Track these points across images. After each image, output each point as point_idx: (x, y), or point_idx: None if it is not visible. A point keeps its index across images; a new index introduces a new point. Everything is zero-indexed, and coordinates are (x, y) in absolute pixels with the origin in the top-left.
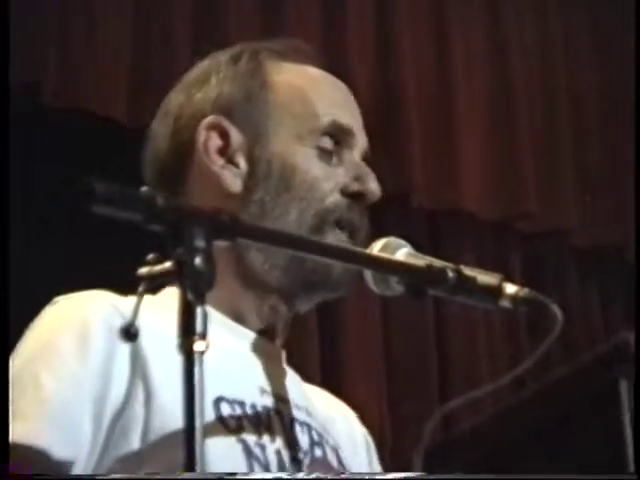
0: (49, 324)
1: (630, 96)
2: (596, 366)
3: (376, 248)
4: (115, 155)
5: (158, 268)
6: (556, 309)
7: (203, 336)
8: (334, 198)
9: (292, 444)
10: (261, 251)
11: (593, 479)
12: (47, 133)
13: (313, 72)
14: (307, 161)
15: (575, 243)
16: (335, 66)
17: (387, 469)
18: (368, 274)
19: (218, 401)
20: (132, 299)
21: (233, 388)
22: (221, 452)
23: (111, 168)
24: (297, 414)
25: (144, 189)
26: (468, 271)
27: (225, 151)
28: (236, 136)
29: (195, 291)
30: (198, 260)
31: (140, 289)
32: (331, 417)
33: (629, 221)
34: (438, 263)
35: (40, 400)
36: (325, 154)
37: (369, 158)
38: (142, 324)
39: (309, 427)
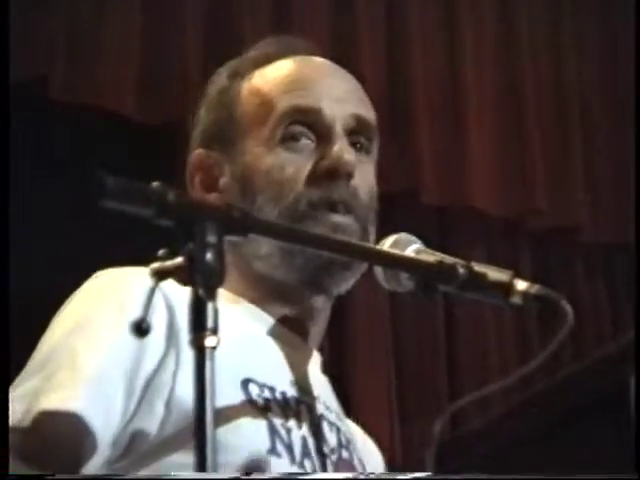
0: (88, 297)
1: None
2: (605, 364)
3: (387, 244)
4: (124, 150)
5: (169, 263)
6: (567, 306)
7: (214, 331)
8: (301, 184)
9: (319, 436)
10: (260, 259)
11: (593, 479)
12: (55, 128)
13: (280, 66)
14: (274, 160)
15: (584, 240)
16: (345, 62)
17: (396, 466)
18: (378, 270)
19: (246, 382)
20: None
21: (263, 374)
22: (246, 426)
23: (120, 163)
24: (327, 414)
25: (155, 184)
26: (479, 267)
27: (209, 183)
28: (217, 162)
29: (206, 286)
30: (209, 255)
31: (151, 284)
32: (357, 436)
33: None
34: (449, 259)
35: (77, 370)
36: (294, 142)
37: (364, 122)
38: (178, 298)
39: (338, 429)
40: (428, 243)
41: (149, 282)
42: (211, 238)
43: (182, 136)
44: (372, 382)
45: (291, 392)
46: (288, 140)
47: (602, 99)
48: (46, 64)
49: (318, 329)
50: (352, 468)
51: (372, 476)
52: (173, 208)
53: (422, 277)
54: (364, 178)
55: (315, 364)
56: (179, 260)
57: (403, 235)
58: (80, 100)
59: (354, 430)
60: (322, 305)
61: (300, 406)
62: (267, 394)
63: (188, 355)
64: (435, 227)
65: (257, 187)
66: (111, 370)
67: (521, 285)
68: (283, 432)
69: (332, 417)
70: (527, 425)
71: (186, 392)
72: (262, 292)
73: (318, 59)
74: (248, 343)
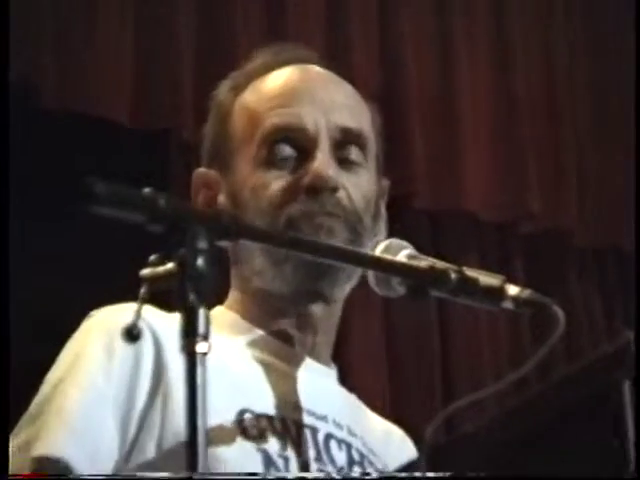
0: (80, 337)
1: (631, 99)
2: (599, 367)
3: (378, 249)
4: (117, 157)
5: (160, 269)
6: (558, 310)
7: (205, 337)
8: (282, 202)
9: (323, 459)
10: (256, 274)
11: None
12: (47, 135)
13: (270, 79)
14: (260, 178)
15: (577, 244)
16: (338, 66)
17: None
18: (371, 275)
19: (242, 413)
20: (165, 314)
21: (262, 402)
22: (237, 459)
23: (113, 170)
24: (335, 431)
25: (146, 190)
26: (470, 272)
27: (210, 200)
28: (215, 180)
29: (197, 292)
30: (200, 261)
31: (142, 290)
32: (387, 443)
33: (630, 222)
34: (440, 264)
35: (63, 416)
36: (280, 160)
37: (353, 132)
38: (167, 337)
39: (349, 445)
40: (421, 248)
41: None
42: (202, 244)
43: (174, 142)
44: (365, 387)
45: (293, 417)
46: (272, 159)
47: (595, 104)
48: (38, 73)
49: (325, 340)
50: None
51: (367, 477)
52: (164, 214)
53: (414, 282)
54: (355, 188)
55: (327, 377)
56: (170, 266)
57: (395, 240)
58: (73, 108)
59: (373, 435)
60: (322, 313)
61: (302, 430)
62: (264, 424)
63: (176, 390)
64: (428, 232)
65: (244, 205)
66: (98, 410)
67: (512, 290)
68: (280, 462)
69: (341, 434)
70: (520, 429)
71: (178, 429)
72: (263, 308)
73: (312, 68)
74: (247, 371)
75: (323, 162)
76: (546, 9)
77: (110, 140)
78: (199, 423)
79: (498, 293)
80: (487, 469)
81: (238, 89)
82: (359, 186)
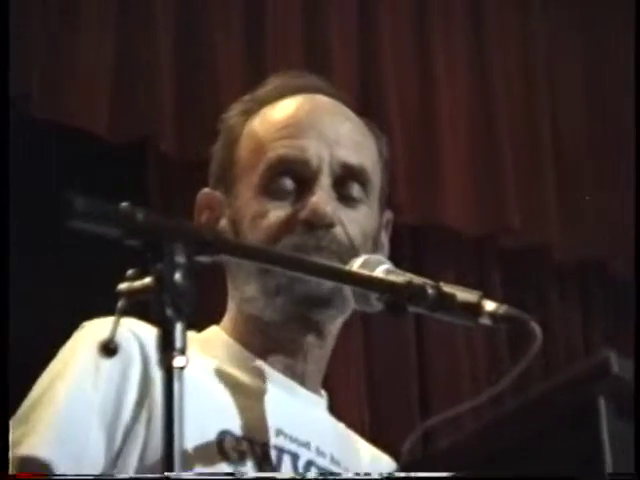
0: (71, 347)
1: (616, 109)
2: (575, 384)
3: (356, 264)
4: (97, 169)
5: (138, 284)
6: (535, 326)
7: (182, 352)
8: (281, 234)
9: None
10: (247, 301)
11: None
12: (29, 145)
13: (279, 107)
14: (260, 207)
15: (557, 259)
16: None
17: None
18: (348, 290)
19: (222, 434)
20: (153, 328)
21: (243, 425)
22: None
23: (93, 182)
24: (317, 459)
25: (123, 204)
26: (448, 288)
27: (213, 222)
28: (219, 203)
29: (174, 307)
30: (178, 276)
31: (119, 305)
32: (374, 474)
33: (612, 237)
34: (418, 280)
35: (50, 415)
36: (280, 191)
37: (354, 168)
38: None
39: (331, 474)
40: (400, 262)
41: (125, 333)
42: (180, 258)
43: (152, 154)
44: (344, 403)
45: (274, 442)
46: (273, 189)
47: (576, 116)
48: (19, 83)
49: (315, 368)
50: None
51: (363, 477)
52: (141, 228)
53: (391, 297)
54: (353, 224)
55: (315, 405)
56: (147, 280)
57: (372, 255)
58: (51, 119)
59: (359, 465)
60: (314, 342)
61: (282, 456)
62: (244, 447)
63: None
64: (407, 246)
65: (244, 233)
66: (85, 419)
67: (489, 306)
68: None
69: (323, 462)
70: (497, 444)
71: (159, 441)
72: (255, 334)
73: (322, 98)
74: (232, 394)
75: (322, 197)
76: (525, 11)
77: (88, 151)
78: (175, 438)
79: (475, 309)
80: None
81: (248, 114)
82: (357, 222)
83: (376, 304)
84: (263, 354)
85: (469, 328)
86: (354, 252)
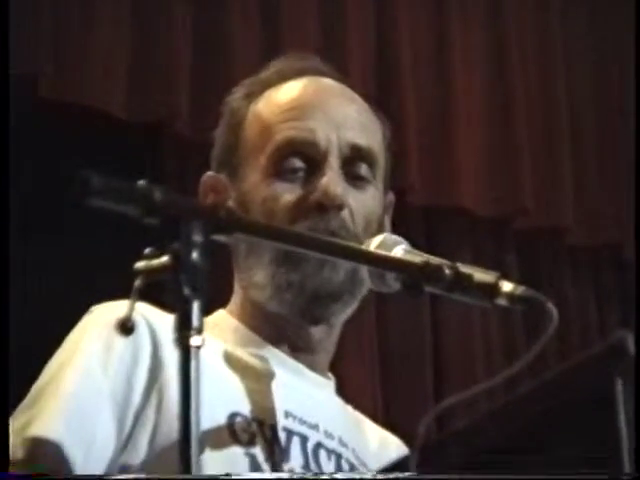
0: (81, 331)
1: (629, 94)
2: (592, 365)
3: (373, 245)
4: (114, 149)
5: (155, 262)
6: (552, 307)
7: (199, 331)
8: (290, 217)
9: (311, 467)
10: (255, 288)
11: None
12: (44, 127)
13: (284, 90)
14: (269, 190)
15: (571, 241)
16: (330, 58)
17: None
18: (364, 270)
19: (233, 416)
20: (163, 312)
21: (253, 407)
22: (226, 462)
23: (109, 162)
24: (325, 441)
25: (141, 182)
26: (465, 268)
27: (219, 203)
28: (224, 186)
29: (192, 285)
30: (195, 255)
31: (137, 283)
32: (381, 454)
33: (626, 220)
34: (435, 260)
35: (61, 402)
36: (289, 174)
37: (362, 150)
38: (166, 335)
39: (338, 456)
40: (415, 244)
41: (136, 316)
42: (197, 237)
43: (169, 135)
44: (358, 385)
45: (284, 424)
46: (282, 171)
47: (591, 99)
48: (36, 63)
49: (323, 354)
50: None
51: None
52: (159, 207)
53: (408, 278)
54: (359, 206)
55: (323, 388)
56: (165, 259)
57: (389, 236)
58: (68, 99)
59: (368, 446)
60: (323, 335)
61: (292, 438)
62: (254, 428)
63: (172, 388)
64: (422, 227)
65: (254, 215)
66: (97, 405)
67: (507, 286)
68: (266, 468)
69: (332, 444)
70: (512, 426)
71: (171, 427)
72: (260, 320)
73: (326, 81)
74: (241, 377)
75: (332, 178)
76: (543, 7)
77: (105, 132)
78: (192, 418)
79: (492, 290)
80: (478, 466)
81: (252, 96)
82: (364, 205)
83: (393, 284)
84: (271, 339)
85: (484, 310)
86: (357, 240)
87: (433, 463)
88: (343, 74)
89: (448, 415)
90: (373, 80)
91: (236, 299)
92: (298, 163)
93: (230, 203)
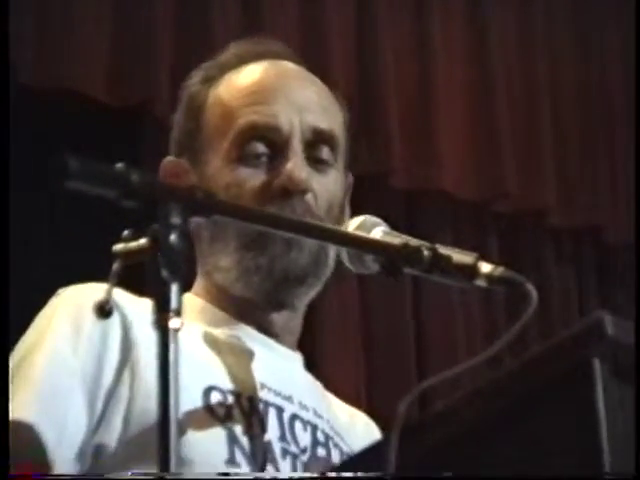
0: (48, 313)
1: (613, 82)
2: (569, 345)
3: (352, 226)
4: (95, 133)
5: (133, 245)
6: (531, 288)
7: (178, 313)
8: (257, 202)
9: (287, 438)
10: (220, 272)
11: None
12: (25, 112)
13: (245, 73)
14: (232, 175)
15: (553, 224)
16: (312, 42)
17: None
18: (344, 252)
19: (209, 390)
20: (129, 294)
21: (228, 380)
22: (203, 437)
23: (87, 145)
24: (301, 413)
25: (119, 165)
26: (444, 250)
27: None
28: (185, 171)
29: (170, 268)
30: (173, 237)
31: (115, 265)
32: (352, 426)
33: (607, 202)
34: (414, 242)
35: (32, 384)
36: (253, 159)
37: (324, 133)
38: (136, 315)
39: (314, 427)
40: (396, 226)
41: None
42: (175, 219)
43: (149, 117)
44: (340, 365)
45: (259, 396)
46: (245, 156)
47: (572, 83)
48: (15, 49)
49: (289, 337)
50: (328, 465)
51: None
52: (137, 189)
53: (387, 259)
54: (322, 190)
55: (293, 361)
56: (143, 241)
57: (368, 217)
58: (50, 84)
59: (339, 419)
60: (286, 318)
61: (268, 409)
62: (230, 401)
63: (144, 366)
64: (403, 210)
65: None
66: (65, 381)
67: (485, 268)
68: (244, 440)
69: (307, 415)
70: (492, 405)
71: (145, 405)
72: (225, 303)
73: (286, 64)
74: (214, 352)
75: (296, 163)
76: None
77: (85, 115)
78: (171, 400)
79: (471, 271)
80: (458, 446)
81: (211, 80)
82: (327, 189)
83: (372, 266)
84: (238, 318)
85: (465, 291)
86: (323, 222)
87: (413, 443)
88: (325, 63)
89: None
90: (355, 66)
91: (200, 282)
92: (261, 148)
93: None
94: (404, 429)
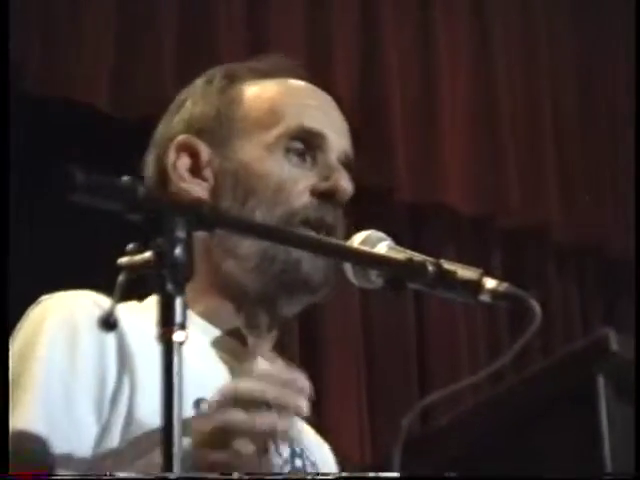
0: (36, 324)
1: (616, 94)
2: (574, 362)
3: (357, 241)
4: (98, 143)
5: (138, 258)
6: (535, 304)
7: (182, 326)
8: (301, 199)
9: (270, 449)
10: (234, 258)
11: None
12: (28, 120)
13: (289, 83)
14: (274, 166)
15: (556, 239)
16: (317, 58)
17: (366, 462)
18: (348, 267)
19: (198, 402)
20: (124, 304)
21: (213, 390)
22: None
23: (93, 156)
24: None
25: (125, 178)
26: (448, 265)
27: (195, 167)
28: (205, 152)
29: (174, 281)
30: (178, 250)
31: (120, 279)
32: (313, 443)
33: (610, 218)
34: (418, 257)
35: (34, 395)
36: (296, 157)
37: (350, 161)
38: (128, 324)
39: (291, 439)
40: (400, 241)
41: (92, 305)
42: (180, 233)
43: (154, 129)
44: (343, 382)
45: None
46: (291, 153)
47: (576, 99)
48: (21, 57)
49: (269, 340)
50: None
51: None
52: (143, 203)
53: (391, 274)
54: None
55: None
56: (148, 255)
57: (373, 232)
58: (53, 92)
59: (309, 435)
60: (267, 325)
61: None
62: None
63: (144, 378)
64: (407, 225)
65: (252, 188)
66: (72, 398)
67: (490, 283)
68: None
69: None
70: (496, 421)
71: (144, 413)
72: (219, 297)
73: (318, 88)
74: (203, 361)
75: (345, 176)
76: (527, 3)
77: (90, 126)
78: (175, 412)
79: (476, 286)
80: (462, 460)
81: (241, 80)
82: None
83: (376, 280)
84: (226, 328)
85: (469, 306)
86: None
87: (416, 457)
88: (329, 72)
89: (433, 410)
90: (360, 80)
91: (198, 273)
92: (306, 150)
93: (208, 172)
94: (408, 442)
